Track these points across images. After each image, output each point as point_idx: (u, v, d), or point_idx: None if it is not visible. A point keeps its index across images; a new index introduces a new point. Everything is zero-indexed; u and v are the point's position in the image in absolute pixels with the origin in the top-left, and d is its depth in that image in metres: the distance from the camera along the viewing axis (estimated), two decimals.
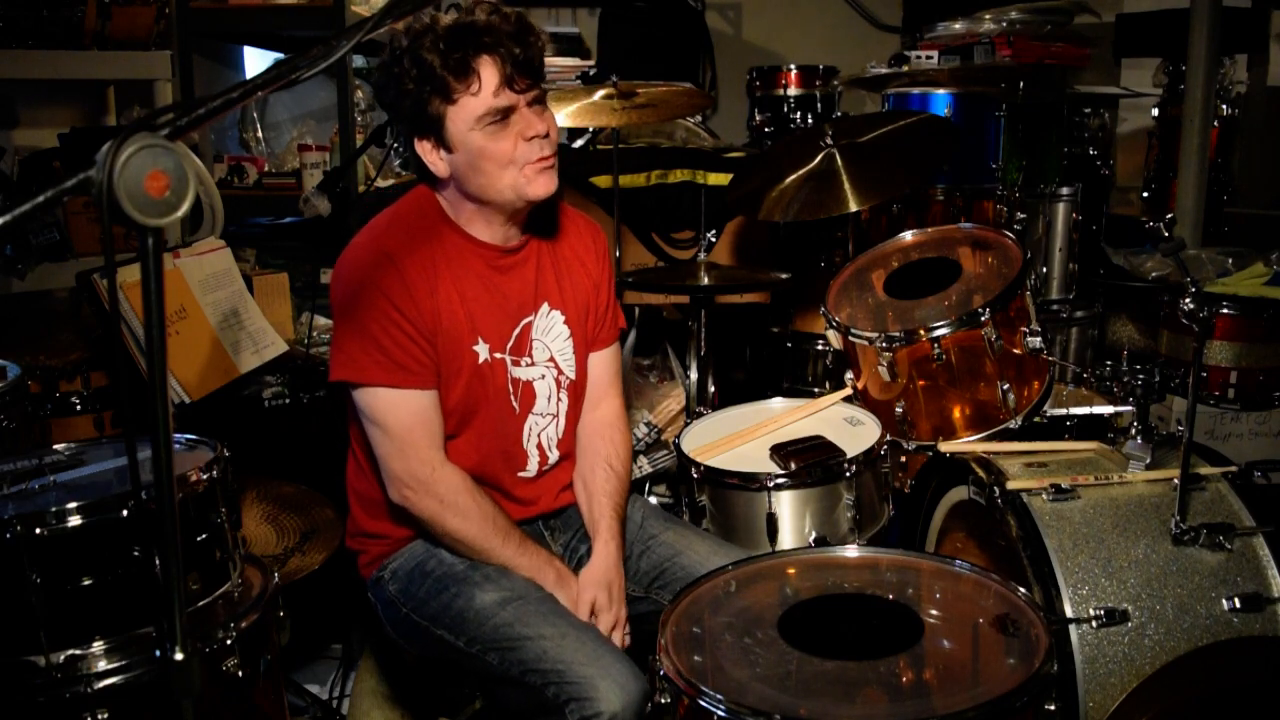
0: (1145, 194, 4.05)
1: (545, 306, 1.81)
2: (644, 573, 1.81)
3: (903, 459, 2.28)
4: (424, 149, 1.66)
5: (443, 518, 1.68)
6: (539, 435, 1.82)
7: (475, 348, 1.73)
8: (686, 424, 2.33)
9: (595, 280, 1.88)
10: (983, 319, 2.10)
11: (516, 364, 1.78)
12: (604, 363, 1.92)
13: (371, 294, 1.65)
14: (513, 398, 1.78)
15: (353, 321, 1.66)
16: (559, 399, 1.84)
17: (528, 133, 1.63)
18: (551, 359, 1.83)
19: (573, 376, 1.85)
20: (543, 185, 1.67)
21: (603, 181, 3.28)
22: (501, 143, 1.62)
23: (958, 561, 1.56)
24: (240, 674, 1.46)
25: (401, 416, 1.67)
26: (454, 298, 1.71)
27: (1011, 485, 1.73)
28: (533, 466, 1.83)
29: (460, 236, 1.74)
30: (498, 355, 1.76)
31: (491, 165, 1.63)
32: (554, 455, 1.85)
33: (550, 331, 1.82)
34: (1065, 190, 3.35)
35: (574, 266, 1.86)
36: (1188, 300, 1.67)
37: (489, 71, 1.59)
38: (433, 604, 1.69)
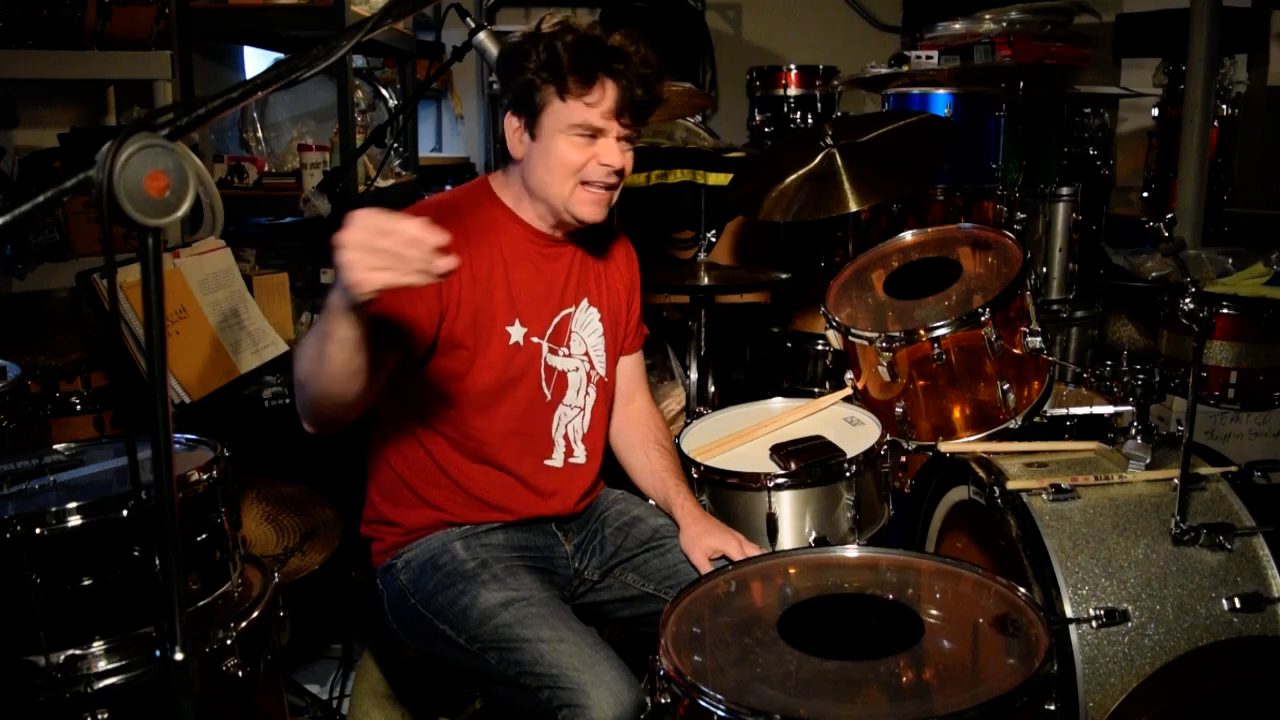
0: (1145, 194, 4.05)
1: (585, 302, 1.87)
2: (655, 569, 1.82)
3: (903, 459, 2.28)
4: (511, 125, 1.73)
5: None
6: (566, 426, 1.85)
7: (509, 328, 1.76)
8: (686, 424, 2.33)
9: (629, 288, 1.97)
10: (983, 319, 2.10)
11: (554, 352, 1.82)
12: (632, 364, 2.02)
13: None
14: (544, 384, 1.81)
15: None
16: (588, 393, 1.88)
17: (603, 159, 1.69)
18: (586, 353, 1.87)
19: (603, 374, 1.90)
20: (591, 211, 1.74)
21: None
22: (576, 155, 1.69)
23: (958, 561, 1.56)
24: (240, 674, 1.46)
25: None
26: (498, 277, 1.74)
27: (1011, 485, 1.73)
28: (558, 457, 1.84)
29: (514, 221, 1.79)
30: (534, 340, 1.79)
31: (559, 169, 1.70)
32: (580, 450, 1.87)
33: (588, 326, 1.87)
34: (1065, 190, 3.35)
35: (610, 271, 1.94)
36: (1188, 300, 1.67)
37: (609, 93, 1.66)
38: (439, 598, 1.69)
